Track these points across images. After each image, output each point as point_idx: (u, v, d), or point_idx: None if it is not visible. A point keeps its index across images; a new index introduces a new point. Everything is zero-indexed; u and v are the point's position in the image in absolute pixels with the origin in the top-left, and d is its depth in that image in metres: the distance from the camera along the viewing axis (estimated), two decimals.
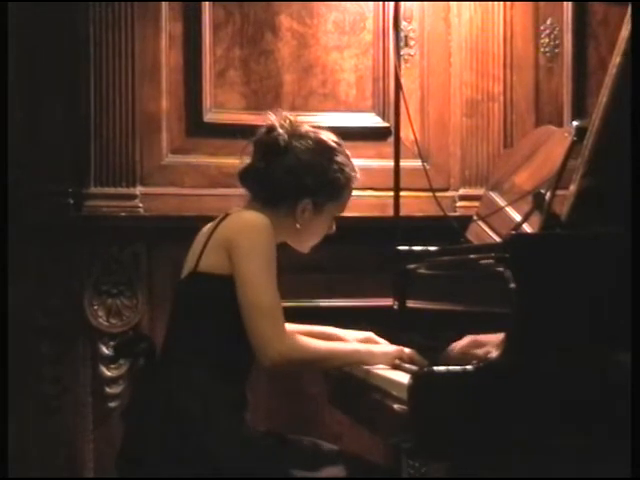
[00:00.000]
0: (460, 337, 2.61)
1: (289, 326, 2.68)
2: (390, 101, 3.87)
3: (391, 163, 3.67)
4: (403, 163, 3.68)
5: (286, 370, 2.95)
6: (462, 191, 3.99)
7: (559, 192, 2.66)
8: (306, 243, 2.86)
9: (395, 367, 2.69)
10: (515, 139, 3.99)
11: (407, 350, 2.74)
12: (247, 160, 2.81)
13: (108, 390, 3.66)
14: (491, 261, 2.51)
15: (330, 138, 2.81)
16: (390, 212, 3.67)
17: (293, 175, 2.73)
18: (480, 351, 2.48)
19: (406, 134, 3.73)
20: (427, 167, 3.70)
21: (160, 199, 3.77)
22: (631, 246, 2.30)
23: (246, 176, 2.81)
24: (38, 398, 3.63)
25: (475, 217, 3.16)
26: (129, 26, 3.71)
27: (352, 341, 2.88)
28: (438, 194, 3.47)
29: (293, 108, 3.78)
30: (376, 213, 3.83)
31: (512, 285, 2.35)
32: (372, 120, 3.98)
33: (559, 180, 2.67)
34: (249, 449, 2.55)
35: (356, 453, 2.85)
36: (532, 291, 2.34)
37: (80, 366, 3.66)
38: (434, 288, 2.95)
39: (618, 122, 2.47)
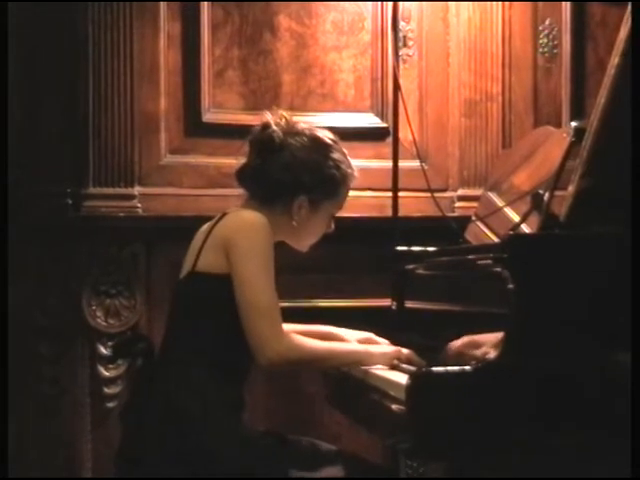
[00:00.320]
0: (458, 337, 2.61)
1: (288, 326, 2.68)
2: (388, 101, 3.87)
3: (389, 163, 3.67)
4: (401, 163, 3.68)
5: (284, 370, 2.95)
6: (460, 191, 3.99)
7: (558, 192, 2.66)
8: (304, 242, 2.85)
9: (393, 367, 2.69)
10: (514, 139, 3.99)
11: (405, 350, 2.74)
12: (244, 160, 2.82)
13: (106, 390, 3.66)
14: (489, 261, 2.51)
15: (326, 135, 2.81)
16: (388, 212, 3.67)
17: (289, 172, 2.73)
18: (477, 351, 2.48)
19: (404, 134, 3.73)
20: (425, 167, 3.70)
21: (159, 199, 3.77)
22: (631, 246, 2.30)
23: (243, 175, 2.81)
24: (37, 398, 3.63)
25: (474, 217, 3.16)
26: (127, 26, 3.71)
27: (352, 341, 2.88)
28: (436, 194, 3.47)
29: (292, 108, 3.77)
30: (374, 213, 3.83)
31: (510, 285, 2.35)
32: (370, 120, 3.98)
33: (557, 180, 2.67)
34: (248, 449, 2.55)
35: (354, 453, 2.85)
36: (530, 291, 2.34)
37: (78, 366, 3.66)
38: (432, 288, 2.95)
39: (617, 123, 2.47)
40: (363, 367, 2.70)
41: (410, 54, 3.99)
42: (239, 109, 3.85)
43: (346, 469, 2.63)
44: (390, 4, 3.75)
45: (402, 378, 2.41)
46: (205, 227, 2.75)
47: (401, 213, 3.63)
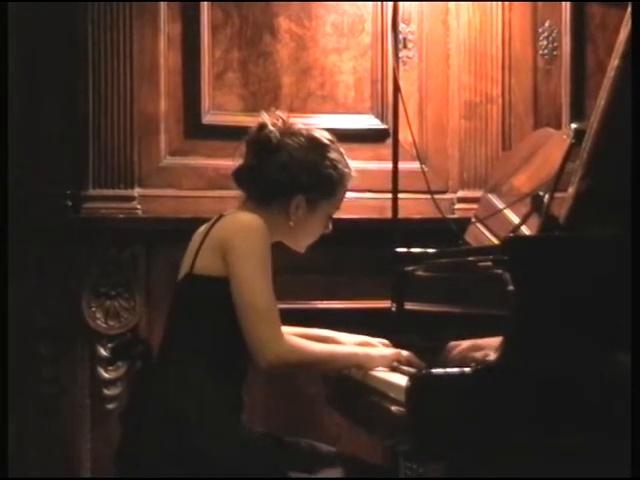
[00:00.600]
0: (458, 339, 2.61)
1: (286, 329, 2.67)
2: (388, 103, 3.87)
3: (389, 165, 3.67)
4: (401, 165, 3.67)
5: (283, 372, 2.95)
6: (460, 193, 3.99)
7: (557, 194, 2.66)
8: (302, 242, 2.85)
9: (393, 369, 2.69)
10: (513, 141, 3.99)
11: (405, 352, 2.73)
12: (241, 161, 2.81)
13: (106, 392, 3.66)
14: (489, 263, 2.51)
15: (323, 135, 2.80)
16: (388, 214, 3.66)
17: (286, 172, 2.73)
18: (479, 354, 2.48)
19: (404, 136, 3.73)
20: (425, 169, 3.70)
21: (158, 201, 3.77)
22: (630, 248, 2.30)
23: (240, 176, 2.80)
24: (37, 399, 3.63)
25: (473, 219, 3.16)
26: (127, 27, 3.71)
27: (349, 344, 2.88)
28: (436, 196, 3.46)
29: (291, 110, 3.77)
30: (374, 215, 3.83)
31: (510, 287, 2.35)
32: (370, 122, 3.98)
33: (557, 182, 2.67)
34: (246, 450, 2.55)
35: (354, 455, 2.85)
36: (530, 293, 2.34)
37: (78, 367, 3.66)
38: (432, 290, 2.95)
39: (616, 124, 2.47)
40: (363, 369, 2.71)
41: (410, 56, 3.99)
42: (239, 111, 3.85)
43: (345, 471, 2.63)
44: (390, 6, 3.75)
45: (402, 380, 2.41)
46: (202, 229, 2.75)
47: (401, 215, 3.63)
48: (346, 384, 2.80)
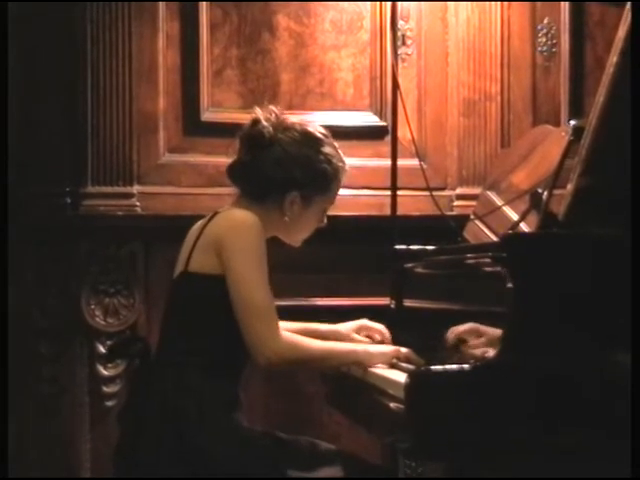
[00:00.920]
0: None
1: (285, 324, 2.68)
2: (387, 100, 3.87)
3: (388, 162, 3.66)
4: (400, 162, 3.67)
5: (282, 369, 2.94)
6: (459, 190, 3.98)
7: (556, 191, 2.66)
8: (297, 237, 2.84)
9: (392, 366, 2.69)
10: (512, 139, 3.98)
11: (404, 349, 2.74)
12: (235, 157, 2.81)
13: (105, 389, 3.66)
14: (488, 260, 2.51)
15: (316, 129, 2.80)
16: (387, 211, 3.66)
17: (280, 168, 2.72)
18: (476, 341, 2.48)
19: (403, 133, 3.72)
20: (424, 166, 3.70)
21: (157, 198, 3.77)
22: (630, 245, 2.30)
23: (233, 172, 2.80)
24: (37, 398, 3.63)
25: (472, 216, 3.16)
26: (126, 26, 3.71)
27: (347, 331, 2.88)
28: (435, 193, 3.47)
29: (290, 107, 3.77)
30: (373, 212, 3.83)
31: (509, 284, 2.35)
32: (369, 119, 3.97)
33: (556, 179, 2.67)
34: (246, 449, 2.55)
35: (353, 453, 2.85)
36: (529, 290, 2.34)
37: (77, 365, 3.66)
38: (431, 287, 2.95)
39: (615, 121, 2.47)
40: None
41: (409, 53, 3.99)
42: (238, 108, 3.85)
43: (345, 469, 2.63)
44: (389, 3, 3.74)
45: (401, 377, 2.41)
46: (197, 226, 2.74)
47: (400, 212, 3.63)
48: (345, 382, 2.80)
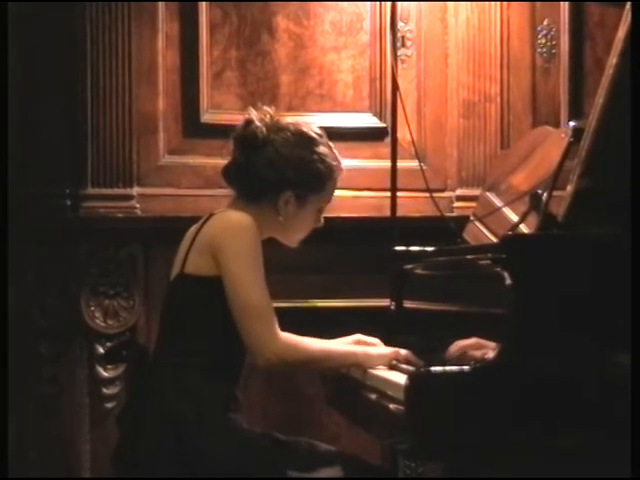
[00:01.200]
0: (457, 338, 2.61)
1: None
2: (387, 102, 3.87)
3: (388, 164, 3.66)
4: (400, 164, 3.67)
5: (281, 370, 2.94)
6: (459, 192, 3.99)
7: (556, 193, 2.66)
8: (293, 237, 2.83)
9: (392, 368, 2.69)
10: (512, 140, 3.99)
11: (403, 351, 2.73)
12: (230, 158, 2.81)
13: (105, 391, 3.66)
14: (488, 262, 2.51)
15: (310, 129, 2.78)
16: (387, 213, 3.66)
17: (273, 168, 2.71)
18: (478, 352, 2.48)
19: (403, 135, 3.73)
20: (424, 168, 3.69)
21: (157, 200, 3.77)
22: (629, 246, 2.30)
23: (228, 173, 2.79)
24: (37, 398, 3.63)
25: (472, 218, 3.16)
26: (126, 26, 3.71)
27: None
28: (435, 195, 3.47)
29: (290, 109, 3.78)
30: (373, 213, 3.83)
31: (509, 285, 2.35)
32: (369, 121, 3.98)
33: (556, 181, 2.67)
34: (245, 450, 2.54)
35: (353, 454, 2.85)
36: (529, 292, 2.34)
37: (77, 366, 3.66)
38: (431, 288, 2.95)
39: (615, 122, 2.47)
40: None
41: (408, 54, 3.99)
42: (237, 110, 3.84)
43: (345, 470, 2.63)
44: (388, 4, 3.74)
45: (400, 378, 2.41)
46: (193, 228, 2.74)
47: (399, 213, 3.63)
48: (345, 383, 2.80)
